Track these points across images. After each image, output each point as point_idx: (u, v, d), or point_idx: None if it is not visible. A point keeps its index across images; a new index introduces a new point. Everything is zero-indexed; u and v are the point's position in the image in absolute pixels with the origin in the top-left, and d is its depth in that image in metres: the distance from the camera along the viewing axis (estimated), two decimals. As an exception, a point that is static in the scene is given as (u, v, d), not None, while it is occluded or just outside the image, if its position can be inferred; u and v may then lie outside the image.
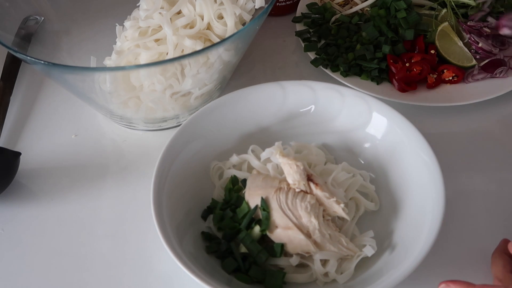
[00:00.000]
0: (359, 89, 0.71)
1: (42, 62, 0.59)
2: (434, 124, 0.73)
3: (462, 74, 0.76)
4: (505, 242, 0.57)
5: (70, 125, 0.75)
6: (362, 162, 0.66)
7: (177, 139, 0.61)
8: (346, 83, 0.74)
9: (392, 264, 0.54)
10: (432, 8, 0.83)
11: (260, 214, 0.56)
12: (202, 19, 0.68)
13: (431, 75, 0.76)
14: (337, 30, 0.82)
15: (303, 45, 0.81)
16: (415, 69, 0.74)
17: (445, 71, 0.76)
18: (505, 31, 0.79)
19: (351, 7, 0.85)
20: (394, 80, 0.75)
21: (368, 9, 0.84)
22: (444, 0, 0.82)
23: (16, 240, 0.63)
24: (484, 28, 0.79)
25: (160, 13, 0.68)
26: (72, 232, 0.64)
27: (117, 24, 0.73)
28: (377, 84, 0.75)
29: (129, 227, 0.63)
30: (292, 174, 0.57)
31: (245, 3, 0.70)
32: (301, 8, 0.87)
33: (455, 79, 0.76)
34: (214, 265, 0.56)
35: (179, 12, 0.70)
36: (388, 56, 0.76)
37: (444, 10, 0.81)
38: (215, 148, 0.65)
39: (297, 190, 0.57)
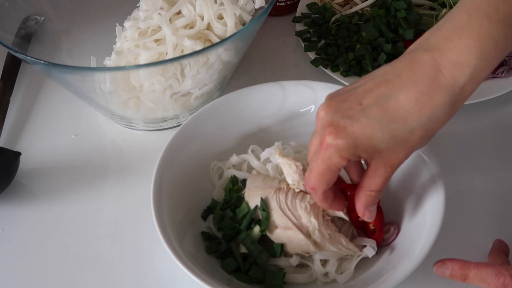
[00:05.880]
0: (359, 89, 0.71)
1: (42, 62, 0.59)
2: (434, 124, 0.73)
3: (462, 74, 0.75)
4: (499, 242, 0.57)
5: (70, 125, 0.75)
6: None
7: (177, 139, 0.61)
8: (346, 83, 0.74)
9: (392, 264, 0.54)
10: (432, 8, 0.83)
11: (260, 214, 0.56)
12: (202, 20, 0.68)
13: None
14: (337, 30, 0.82)
15: (303, 45, 0.81)
16: None
17: (445, 71, 0.76)
18: None
19: (351, 7, 0.85)
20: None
21: (368, 9, 0.84)
22: (444, 0, 0.82)
23: (16, 240, 0.63)
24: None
25: (159, 13, 0.68)
26: (72, 232, 0.64)
27: (117, 24, 0.73)
28: (377, 84, 0.75)
29: (129, 227, 0.64)
30: (291, 174, 0.57)
31: (245, 4, 0.70)
32: (301, 8, 0.87)
33: (455, 79, 0.75)
34: (214, 265, 0.56)
35: (179, 13, 0.70)
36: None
37: (444, 10, 0.81)
38: (215, 148, 0.65)
39: (296, 190, 0.57)
